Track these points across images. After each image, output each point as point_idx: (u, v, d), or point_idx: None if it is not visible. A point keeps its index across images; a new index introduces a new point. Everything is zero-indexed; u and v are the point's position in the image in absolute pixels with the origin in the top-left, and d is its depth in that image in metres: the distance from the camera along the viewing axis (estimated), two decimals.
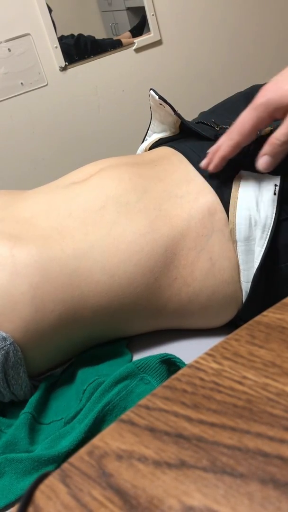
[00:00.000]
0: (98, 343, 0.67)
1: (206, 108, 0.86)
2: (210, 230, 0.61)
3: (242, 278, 0.62)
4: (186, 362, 0.53)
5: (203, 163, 0.62)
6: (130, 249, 0.60)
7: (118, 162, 0.70)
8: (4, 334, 0.56)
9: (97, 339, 0.66)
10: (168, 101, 0.73)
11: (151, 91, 0.74)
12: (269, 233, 0.59)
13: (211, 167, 0.62)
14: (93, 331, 0.63)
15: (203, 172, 0.64)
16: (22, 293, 0.57)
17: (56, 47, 1.55)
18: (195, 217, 0.62)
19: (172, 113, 0.73)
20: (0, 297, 0.56)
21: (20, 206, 0.66)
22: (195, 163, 0.65)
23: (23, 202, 0.67)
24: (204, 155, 0.64)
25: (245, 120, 0.57)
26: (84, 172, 0.70)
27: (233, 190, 0.62)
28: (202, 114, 0.84)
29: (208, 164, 0.62)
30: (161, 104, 0.73)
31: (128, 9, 1.72)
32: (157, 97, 0.73)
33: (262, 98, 0.55)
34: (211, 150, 0.62)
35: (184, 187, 0.64)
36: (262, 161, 0.56)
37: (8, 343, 0.56)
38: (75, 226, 0.61)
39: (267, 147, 0.56)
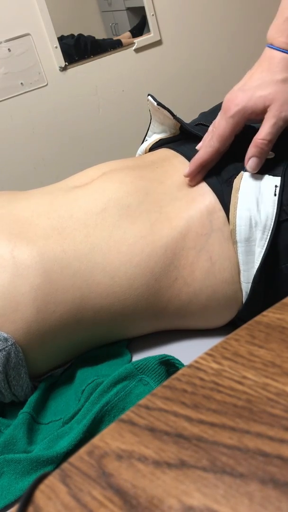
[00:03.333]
0: (99, 344, 0.67)
1: (206, 108, 0.86)
2: (209, 230, 0.61)
3: (242, 279, 0.62)
4: (186, 362, 0.53)
5: (186, 172, 0.64)
6: (131, 251, 0.60)
7: (120, 165, 0.70)
8: (5, 335, 0.56)
9: (99, 340, 0.66)
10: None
11: (149, 97, 0.74)
12: (269, 234, 0.59)
13: (186, 172, 0.63)
14: (94, 332, 0.63)
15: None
16: (23, 295, 0.57)
17: (56, 47, 1.55)
18: (194, 216, 0.62)
19: (172, 117, 0.73)
20: (1, 299, 0.56)
21: (20, 205, 0.66)
22: None
23: (23, 201, 0.67)
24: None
25: (224, 127, 0.61)
26: (87, 176, 0.70)
27: (233, 191, 0.62)
28: (202, 114, 0.84)
29: (190, 173, 0.63)
30: (159, 108, 0.74)
31: (128, 9, 1.72)
32: (155, 103, 0.73)
33: (237, 107, 0.60)
34: (193, 159, 0.64)
35: (185, 189, 0.64)
36: (251, 163, 0.60)
37: (9, 343, 0.56)
38: (76, 227, 0.61)
39: (253, 149, 0.59)
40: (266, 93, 0.58)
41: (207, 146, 0.63)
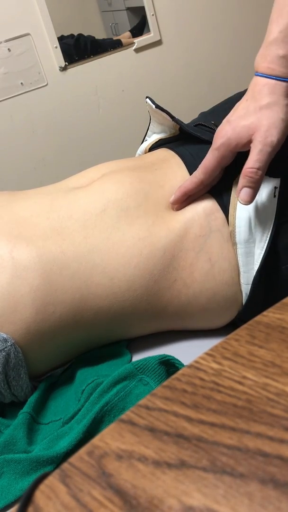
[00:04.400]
0: (99, 344, 0.67)
1: (206, 108, 0.86)
2: (208, 231, 0.61)
3: (242, 280, 0.62)
4: (186, 362, 0.53)
5: (171, 199, 0.63)
6: (129, 252, 0.60)
7: (120, 166, 0.70)
8: (4, 336, 0.56)
9: (98, 340, 0.66)
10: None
11: (147, 100, 0.74)
12: (269, 236, 0.59)
13: (171, 200, 0.63)
14: (94, 333, 0.63)
15: None
16: (22, 295, 0.57)
17: (56, 47, 1.55)
18: (192, 218, 0.62)
19: (170, 119, 0.73)
20: (0, 299, 0.56)
21: (19, 205, 0.66)
22: (192, 167, 0.65)
23: (22, 201, 0.67)
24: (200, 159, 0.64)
25: (209, 160, 0.60)
26: (86, 177, 0.70)
27: (232, 192, 0.62)
28: (202, 114, 0.84)
29: (174, 200, 0.63)
30: (158, 111, 0.73)
31: (128, 9, 1.72)
32: (153, 106, 0.73)
33: (221, 139, 0.58)
34: (178, 188, 0.63)
35: None
36: (242, 195, 0.57)
37: (9, 344, 0.56)
38: (75, 228, 0.61)
39: (242, 180, 0.57)
40: (249, 122, 0.56)
41: (192, 176, 0.62)
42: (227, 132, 0.58)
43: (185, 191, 0.62)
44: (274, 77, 0.56)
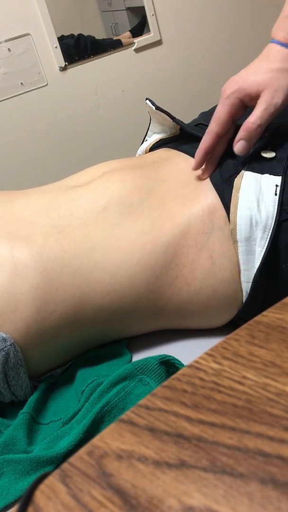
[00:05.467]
0: (99, 344, 0.67)
1: (206, 108, 0.86)
2: (210, 228, 0.61)
3: (242, 278, 0.62)
4: (186, 362, 0.53)
5: (193, 165, 0.66)
6: (132, 248, 0.60)
7: (120, 165, 0.70)
8: (4, 335, 0.56)
9: (99, 339, 0.66)
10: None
11: (147, 101, 0.75)
12: (270, 234, 0.59)
13: (193, 164, 0.65)
14: (94, 331, 0.63)
15: None
16: (22, 294, 0.57)
17: (56, 47, 1.55)
18: (196, 214, 0.62)
19: (171, 120, 0.73)
20: (0, 298, 0.56)
21: (19, 203, 0.66)
22: None
23: (22, 200, 0.67)
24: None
25: (220, 110, 0.63)
26: (87, 176, 0.70)
27: (234, 190, 0.62)
28: (202, 114, 0.84)
29: (197, 163, 0.65)
30: (158, 112, 0.74)
31: (128, 9, 1.72)
32: (154, 107, 0.73)
33: (232, 88, 0.62)
34: (197, 150, 0.65)
35: (189, 187, 0.64)
36: (239, 146, 0.61)
37: (8, 344, 0.56)
38: (76, 226, 0.61)
39: (242, 132, 0.61)
40: (260, 78, 0.60)
41: (207, 132, 0.64)
42: (237, 82, 0.62)
43: (204, 148, 0.64)
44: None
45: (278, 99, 0.59)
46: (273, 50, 0.62)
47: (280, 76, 0.60)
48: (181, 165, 0.68)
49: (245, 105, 0.63)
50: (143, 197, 0.63)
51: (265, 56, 0.63)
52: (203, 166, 0.65)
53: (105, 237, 0.60)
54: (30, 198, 0.67)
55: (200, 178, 0.65)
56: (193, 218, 0.62)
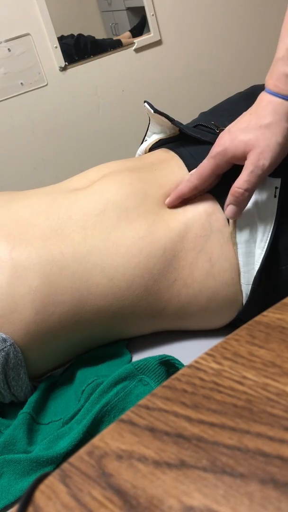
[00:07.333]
0: (99, 344, 0.67)
1: (206, 108, 0.86)
2: (208, 231, 0.61)
3: (242, 280, 0.62)
4: (186, 362, 0.53)
5: (166, 201, 0.64)
6: (129, 252, 0.60)
7: (120, 167, 0.70)
8: (4, 336, 0.56)
9: (98, 340, 0.66)
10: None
11: (146, 104, 0.74)
12: (269, 236, 0.59)
13: (167, 202, 0.63)
14: (93, 332, 0.63)
15: None
16: (22, 296, 0.57)
17: (56, 47, 1.55)
18: (193, 218, 0.62)
19: (170, 123, 0.73)
20: (0, 300, 0.56)
21: (18, 205, 0.66)
22: (193, 168, 0.65)
23: (22, 202, 0.67)
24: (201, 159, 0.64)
25: (205, 166, 0.60)
26: (87, 179, 0.70)
27: None
28: (202, 114, 0.84)
29: (169, 203, 0.63)
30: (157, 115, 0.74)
31: (128, 9, 1.72)
32: (152, 110, 0.73)
33: (219, 148, 0.58)
34: (174, 191, 0.63)
35: None
36: (228, 211, 0.59)
37: (8, 344, 0.56)
38: (74, 229, 0.61)
39: (230, 197, 0.58)
40: (247, 138, 0.56)
41: (187, 181, 0.62)
42: (225, 142, 0.58)
43: (179, 194, 0.62)
44: (279, 96, 0.56)
45: (265, 161, 0.55)
46: (264, 101, 0.57)
47: (268, 133, 0.55)
48: (175, 171, 0.67)
49: (233, 164, 0.59)
50: (139, 201, 0.63)
51: (255, 109, 0.58)
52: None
53: (103, 240, 0.60)
54: (30, 200, 0.67)
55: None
56: (190, 222, 0.62)
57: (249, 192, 0.57)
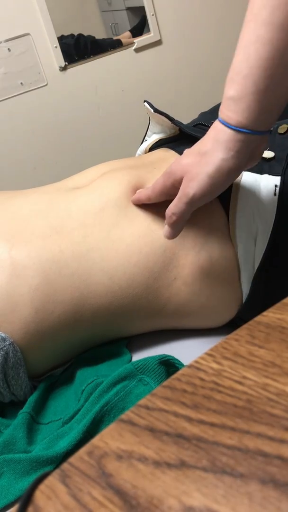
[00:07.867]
0: (99, 343, 0.67)
1: (206, 108, 0.86)
2: (208, 230, 0.61)
3: (242, 279, 0.62)
4: (186, 362, 0.53)
5: (131, 199, 0.63)
6: (129, 250, 0.60)
7: (119, 165, 0.70)
8: (3, 335, 0.56)
9: (97, 339, 0.66)
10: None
11: (146, 104, 0.74)
12: (269, 234, 0.59)
13: (132, 199, 0.63)
14: (93, 331, 0.63)
15: None
16: (21, 295, 0.57)
17: (56, 47, 1.55)
18: (193, 216, 0.62)
19: (170, 122, 0.73)
20: None
21: (18, 203, 0.66)
22: None
23: (22, 200, 0.67)
24: None
25: (157, 182, 0.58)
26: (86, 177, 0.70)
27: (233, 191, 0.62)
28: (202, 114, 0.84)
29: (132, 202, 0.63)
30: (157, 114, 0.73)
31: (128, 9, 1.72)
32: (152, 110, 0.73)
33: (169, 168, 0.56)
34: (136, 194, 0.63)
35: None
36: (164, 231, 0.57)
37: (7, 343, 0.56)
38: (74, 227, 0.61)
39: (166, 219, 0.56)
40: (185, 162, 0.53)
41: (146, 188, 0.61)
42: (175, 162, 0.55)
43: (138, 198, 0.61)
44: (221, 121, 0.51)
45: (191, 190, 0.51)
46: (213, 125, 0.52)
47: (203, 161, 0.51)
48: None
49: (177, 187, 0.55)
50: None
51: (207, 133, 0.53)
52: None
53: (103, 238, 0.60)
54: (30, 198, 0.67)
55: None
56: (190, 220, 0.61)
57: (177, 217, 0.54)
